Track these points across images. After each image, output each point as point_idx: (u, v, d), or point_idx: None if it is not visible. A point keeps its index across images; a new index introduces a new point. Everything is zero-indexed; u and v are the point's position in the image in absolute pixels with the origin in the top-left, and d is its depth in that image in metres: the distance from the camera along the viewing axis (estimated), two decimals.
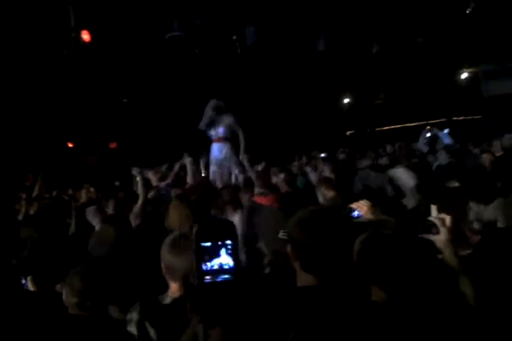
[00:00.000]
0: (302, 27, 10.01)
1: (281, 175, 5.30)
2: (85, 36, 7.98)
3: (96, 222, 4.47)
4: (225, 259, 1.10)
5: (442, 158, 7.75)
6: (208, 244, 1.12)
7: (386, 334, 1.52)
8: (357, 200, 2.60)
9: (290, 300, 1.56)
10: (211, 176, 6.79)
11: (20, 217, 6.26)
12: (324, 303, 1.55)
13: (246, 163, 5.70)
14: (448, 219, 2.04)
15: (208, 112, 7.19)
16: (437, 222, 2.03)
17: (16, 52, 8.89)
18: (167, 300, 2.07)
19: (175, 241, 2.21)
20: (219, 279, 1.12)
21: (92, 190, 7.83)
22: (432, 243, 2.04)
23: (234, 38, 9.77)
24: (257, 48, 9.99)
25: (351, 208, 2.42)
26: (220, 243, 1.12)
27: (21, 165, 10.35)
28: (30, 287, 1.96)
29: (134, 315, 2.08)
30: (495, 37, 11.97)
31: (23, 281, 1.98)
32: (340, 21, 10.17)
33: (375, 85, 16.95)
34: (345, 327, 1.49)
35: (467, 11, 8.93)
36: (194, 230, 1.11)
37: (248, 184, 5.79)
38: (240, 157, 6.24)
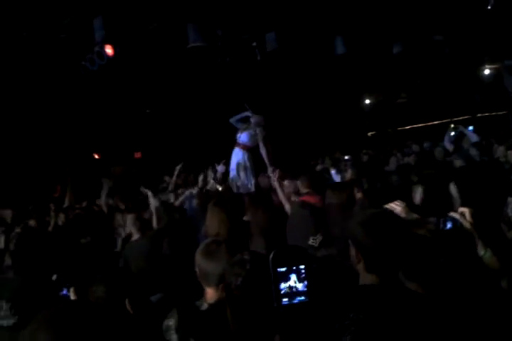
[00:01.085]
0: (321, 30, 10.02)
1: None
2: (109, 50, 8.13)
3: (134, 231, 4.50)
4: (299, 283, 1.19)
5: (473, 156, 7.67)
6: (284, 269, 1.21)
7: (441, 330, 1.57)
8: (384, 202, 2.63)
9: (353, 298, 1.63)
10: (230, 180, 6.88)
11: (50, 228, 6.43)
12: (385, 301, 1.60)
13: (272, 175, 5.78)
14: (468, 212, 2.07)
15: (247, 114, 7.28)
16: (458, 216, 2.06)
17: (42, 65, 9.11)
18: (204, 306, 2.12)
19: (208, 246, 2.27)
20: (295, 301, 1.20)
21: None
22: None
23: (254, 44, 9.83)
24: (277, 54, 10.04)
25: (385, 208, 2.44)
26: (294, 268, 1.20)
27: (49, 176, 10.58)
28: (72, 297, 2.02)
29: (171, 322, 2.12)
30: None
31: (64, 292, 2.04)
32: (359, 22, 10.14)
33: (397, 85, 16.82)
34: (403, 323, 1.54)
35: (488, 7, 8.80)
36: (270, 256, 1.20)
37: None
38: (268, 170, 6.30)
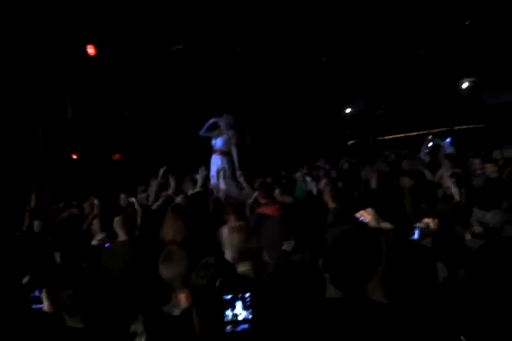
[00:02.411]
0: (304, 39, 10.13)
1: (276, 191, 5.37)
2: (91, 50, 8.10)
3: (121, 233, 4.39)
4: (243, 310, 1.20)
5: (446, 168, 7.80)
6: (229, 296, 1.22)
7: None
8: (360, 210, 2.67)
9: (317, 311, 1.64)
10: (212, 186, 6.85)
11: (23, 229, 6.33)
12: (348, 315, 1.62)
13: (242, 180, 5.85)
14: (432, 223, 2.14)
15: (214, 121, 7.25)
16: (423, 227, 2.13)
17: (21, 62, 9.01)
18: (176, 311, 2.12)
19: (167, 252, 2.30)
20: (239, 329, 1.23)
21: (96, 201, 7.87)
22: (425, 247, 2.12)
23: (238, 49, 9.88)
24: (261, 59, 10.11)
25: (356, 217, 2.48)
26: (239, 295, 1.22)
27: (26, 176, 10.43)
28: (45, 299, 2.01)
29: (138, 327, 2.12)
30: (495, 46, 12.06)
31: (37, 293, 2.03)
32: (342, 33, 10.28)
33: (377, 95, 17.05)
34: (366, 337, 1.56)
35: (466, 23, 9.03)
36: (217, 283, 1.21)
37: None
38: (237, 174, 6.34)
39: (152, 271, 3.00)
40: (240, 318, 1.22)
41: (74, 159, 12.37)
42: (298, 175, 8.43)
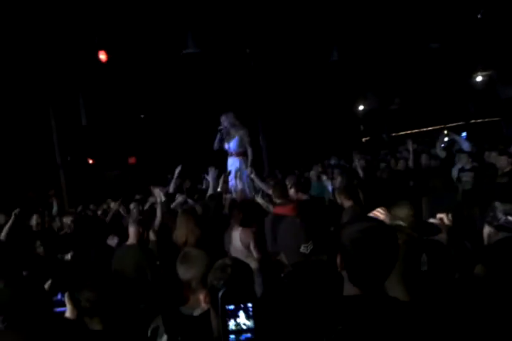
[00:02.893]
0: (316, 37, 10.11)
1: (291, 189, 5.34)
2: (102, 56, 8.19)
3: (132, 236, 4.38)
4: (246, 319, 1.25)
5: (464, 162, 7.73)
6: (232, 306, 1.26)
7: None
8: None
9: (336, 308, 1.65)
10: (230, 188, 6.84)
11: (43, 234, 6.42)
12: (367, 312, 1.63)
13: (254, 176, 5.84)
14: (446, 218, 2.12)
15: (220, 128, 7.19)
16: (436, 222, 2.12)
17: (38, 67, 9.14)
18: (196, 311, 2.14)
19: (185, 254, 2.32)
20: (242, 338, 1.26)
21: (112, 204, 7.97)
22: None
23: (247, 51, 9.90)
24: (271, 59, 10.12)
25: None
26: (242, 305, 1.26)
27: (43, 181, 10.58)
28: (67, 303, 2.04)
29: (158, 328, 2.16)
30: (508, 39, 11.92)
31: (59, 297, 2.07)
32: (354, 29, 10.24)
33: (391, 91, 16.94)
34: (388, 335, 1.57)
35: (478, 16, 8.94)
36: (220, 294, 1.26)
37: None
38: (248, 171, 6.32)
39: (168, 272, 3.04)
40: (243, 327, 1.27)
41: (90, 163, 12.52)
42: (312, 173, 8.41)
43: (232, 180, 6.71)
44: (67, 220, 6.12)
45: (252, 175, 5.86)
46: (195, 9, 8.17)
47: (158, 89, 11.02)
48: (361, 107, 18.33)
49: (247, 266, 1.92)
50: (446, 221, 2.13)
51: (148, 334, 2.13)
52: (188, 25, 8.52)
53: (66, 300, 2.03)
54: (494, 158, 7.55)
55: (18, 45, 8.11)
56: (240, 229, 4.23)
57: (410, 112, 17.44)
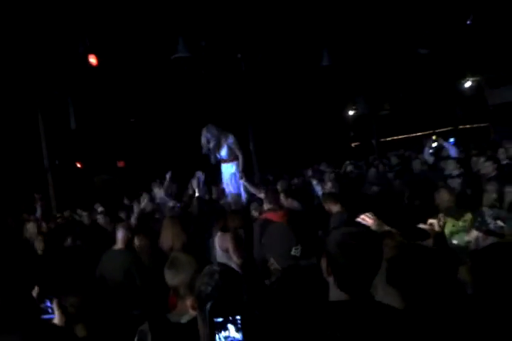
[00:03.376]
0: (306, 42, 10.14)
1: (281, 195, 5.37)
2: (92, 60, 8.14)
3: (119, 241, 4.36)
4: (235, 332, 1.26)
5: (451, 169, 7.80)
6: (220, 319, 1.26)
7: None
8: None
9: (323, 314, 1.65)
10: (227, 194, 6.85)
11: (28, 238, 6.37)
12: (358, 317, 1.63)
13: (245, 181, 5.87)
14: (436, 223, 2.13)
15: (204, 145, 7.15)
16: (427, 228, 2.13)
17: (24, 72, 9.07)
18: (184, 318, 2.12)
19: (172, 260, 2.30)
20: None
21: (100, 209, 7.92)
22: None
23: (239, 56, 9.90)
24: (262, 64, 10.13)
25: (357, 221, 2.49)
26: (230, 318, 1.26)
27: (30, 185, 10.48)
28: (56, 310, 2.02)
29: (145, 335, 2.13)
30: (497, 45, 12.05)
31: (47, 303, 2.04)
32: (344, 35, 10.29)
33: (380, 96, 17.04)
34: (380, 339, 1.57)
35: (467, 22, 9.02)
36: (207, 307, 1.27)
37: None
38: (238, 176, 6.34)
39: (154, 278, 3.02)
40: (231, 340, 1.29)
41: (78, 167, 12.44)
42: (295, 181, 8.43)
43: (227, 186, 6.72)
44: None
45: (243, 180, 5.90)
46: (187, 13, 8.16)
47: (148, 93, 10.99)
48: (351, 112, 18.42)
49: (236, 272, 1.91)
50: (436, 227, 2.13)
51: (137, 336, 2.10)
52: (179, 30, 8.50)
53: (54, 306, 2.00)
54: (480, 164, 7.64)
55: (6, 47, 8.05)
56: (219, 234, 4.28)
57: (399, 118, 17.57)
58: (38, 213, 7.56)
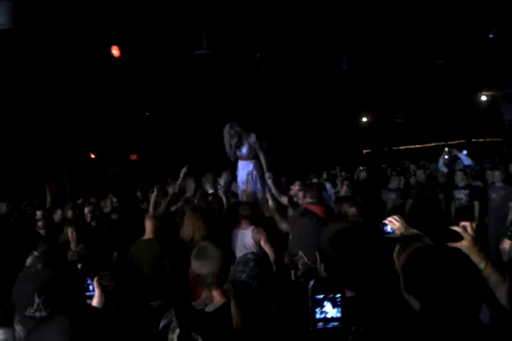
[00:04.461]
0: (326, 46, 10.16)
1: (300, 194, 5.37)
2: (115, 51, 8.19)
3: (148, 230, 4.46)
4: (333, 309, 1.33)
5: (458, 180, 7.82)
6: (321, 296, 1.36)
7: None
8: (380, 217, 2.69)
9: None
10: (238, 192, 6.83)
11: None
12: (377, 312, 1.67)
13: (269, 181, 5.85)
14: (469, 226, 2.15)
15: (227, 140, 7.13)
16: (459, 230, 2.15)
17: (44, 62, 9.14)
18: (209, 307, 2.14)
19: (201, 249, 2.32)
20: (329, 326, 1.37)
21: (114, 200, 7.99)
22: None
23: (258, 56, 9.93)
24: (280, 66, 10.15)
25: (384, 224, 2.49)
26: (330, 296, 1.37)
27: (45, 172, 10.56)
28: (96, 287, 2.05)
29: (171, 322, 2.15)
30: None
31: (88, 281, 2.08)
32: (364, 42, 10.30)
33: (395, 104, 17.02)
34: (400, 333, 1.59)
35: (490, 35, 8.99)
36: (310, 284, 1.35)
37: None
38: (265, 176, 6.32)
39: (175, 267, 3.05)
40: (329, 316, 1.37)
41: (92, 158, 12.51)
42: (314, 181, 8.46)
43: (242, 184, 6.70)
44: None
45: (270, 180, 5.86)
46: (211, 10, 8.21)
47: (166, 87, 11.04)
48: (364, 119, 18.42)
49: (268, 260, 1.93)
50: (469, 229, 2.14)
51: (160, 328, 2.12)
52: (203, 26, 8.55)
53: (95, 285, 2.03)
54: (496, 177, 7.65)
55: (29, 35, 8.12)
56: (251, 227, 4.43)
57: (413, 127, 17.53)
58: (48, 200, 7.61)
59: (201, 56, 8.91)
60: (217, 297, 2.14)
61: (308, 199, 4.80)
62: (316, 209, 4.49)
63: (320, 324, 1.35)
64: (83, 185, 10.23)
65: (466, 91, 15.67)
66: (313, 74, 11.92)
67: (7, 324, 1.93)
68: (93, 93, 10.53)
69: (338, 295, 1.36)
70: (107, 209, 7.25)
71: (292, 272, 2.86)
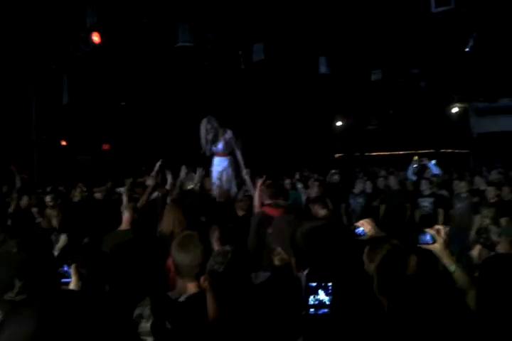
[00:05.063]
0: (306, 50, 10.26)
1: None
2: (95, 38, 8.08)
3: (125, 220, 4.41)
4: (326, 296, 1.41)
5: (424, 188, 8.05)
6: (314, 284, 1.44)
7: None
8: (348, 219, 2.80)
9: None
10: (213, 188, 6.81)
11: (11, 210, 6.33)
12: None
13: (247, 178, 5.86)
14: (442, 230, 2.24)
15: (203, 135, 7.08)
16: (433, 233, 2.24)
17: (21, 47, 8.94)
18: (182, 297, 2.16)
19: (182, 239, 2.34)
20: (320, 312, 1.47)
21: (84, 189, 7.86)
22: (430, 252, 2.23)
23: (240, 53, 9.94)
24: (261, 66, 10.19)
25: (356, 226, 2.56)
26: (323, 284, 1.43)
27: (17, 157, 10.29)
28: (73, 274, 2.04)
29: (145, 311, 2.16)
30: (487, 75, 12.37)
31: (65, 268, 2.06)
32: (343, 47, 10.44)
33: (369, 111, 17.31)
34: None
35: (466, 49, 9.25)
36: (305, 272, 1.41)
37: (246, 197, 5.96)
38: (242, 172, 6.32)
39: (151, 258, 3.05)
40: (322, 303, 1.46)
41: (63, 145, 12.27)
42: (287, 182, 8.52)
43: (217, 180, 6.69)
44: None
45: (247, 177, 5.87)
46: (196, 4, 8.18)
47: (144, 78, 10.93)
48: (339, 123, 18.65)
49: (247, 252, 1.97)
50: (442, 233, 2.22)
51: (134, 316, 2.12)
52: (186, 18, 8.50)
53: (72, 271, 2.02)
54: (463, 187, 7.90)
55: (6, 18, 7.93)
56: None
57: (385, 134, 17.86)
58: (17, 185, 7.44)
59: (183, 49, 8.86)
60: (192, 287, 2.16)
61: (267, 201, 4.74)
62: (273, 212, 4.37)
63: (312, 310, 1.41)
64: (52, 172, 10.02)
65: (438, 103, 16.07)
66: (292, 77, 12.01)
67: None
68: (70, 79, 10.32)
69: (330, 284, 1.42)
70: (76, 199, 7.12)
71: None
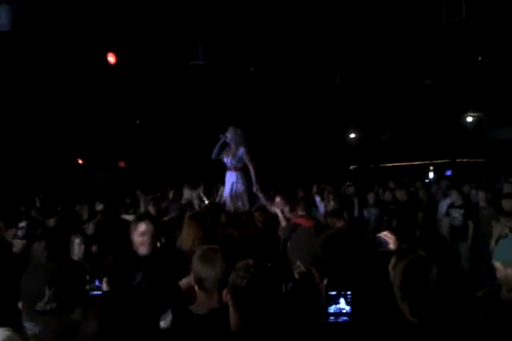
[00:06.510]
0: (320, 63, 10.33)
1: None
2: (111, 58, 8.23)
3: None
4: (345, 305, 1.43)
5: (454, 198, 7.97)
6: (334, 292, 1.49)
7: None
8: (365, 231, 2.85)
9: None
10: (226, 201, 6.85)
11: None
12: None
13: (259, 193, 5.89)
14: (389, 234, 2.39)
15: (223, 138, 7.10)
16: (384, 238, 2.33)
17: (39, 65, 9.13)
18: (202, 310, 2.17)
19: (205, 252, 2.35)
20: (340, 320, 1.49)
21: (101, 206, 7.91)
22: None
23: (251, 69, 10.05)
24: (272, 80, 10.28)
25: (379, 237, 2.57)
26: (342, 293, 1.49)
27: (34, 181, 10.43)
28: (105, 287, 2.08)
29: (165, 323, 2.18)
30: (503, 84, 12.31)
31: (97, 283, 2.10)
32: (356, 60, 10.50)
33: (382, 122, 17.26)
34: None
35: (479, 58, 9.24)
36: (325, 281, 1.44)
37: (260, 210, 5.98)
38: (253, 188, 6.37)
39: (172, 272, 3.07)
40: (341, 311, 1.49)
41: (79, 164, 12.44)
42: (301, 194, 8.50)
43: (226, 194, 6.73)
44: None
45: (258, 192, 5.91)
46: (208, 24, 8.31)
47: (158, 96, 11.08)
48: (352, 135, 18.63)
49: (268, 266, 1.98)
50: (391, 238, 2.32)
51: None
52: (200, 38, 8.64)
53: (104, 284, 2.06)
54: (482, 197, 7.80)
55: (27, 38, 8.12)
56: None
57: (399, 145, 17.78)
58: (37, 205, 7.56)
59: (196, 67, 8.99)
60: (214, 301, 2.17)
61: (300, 213, 4.86)
62: (305, 222, 4.52)
63: (332, 318, 1.43)
64: (70, 190, 10.15)
65: (452, 112, 15.97)
66: (305, 89, 12.08)
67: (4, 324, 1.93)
68: (86, 98, 10.51)
69: (349, 292, 1.44)
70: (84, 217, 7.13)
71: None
